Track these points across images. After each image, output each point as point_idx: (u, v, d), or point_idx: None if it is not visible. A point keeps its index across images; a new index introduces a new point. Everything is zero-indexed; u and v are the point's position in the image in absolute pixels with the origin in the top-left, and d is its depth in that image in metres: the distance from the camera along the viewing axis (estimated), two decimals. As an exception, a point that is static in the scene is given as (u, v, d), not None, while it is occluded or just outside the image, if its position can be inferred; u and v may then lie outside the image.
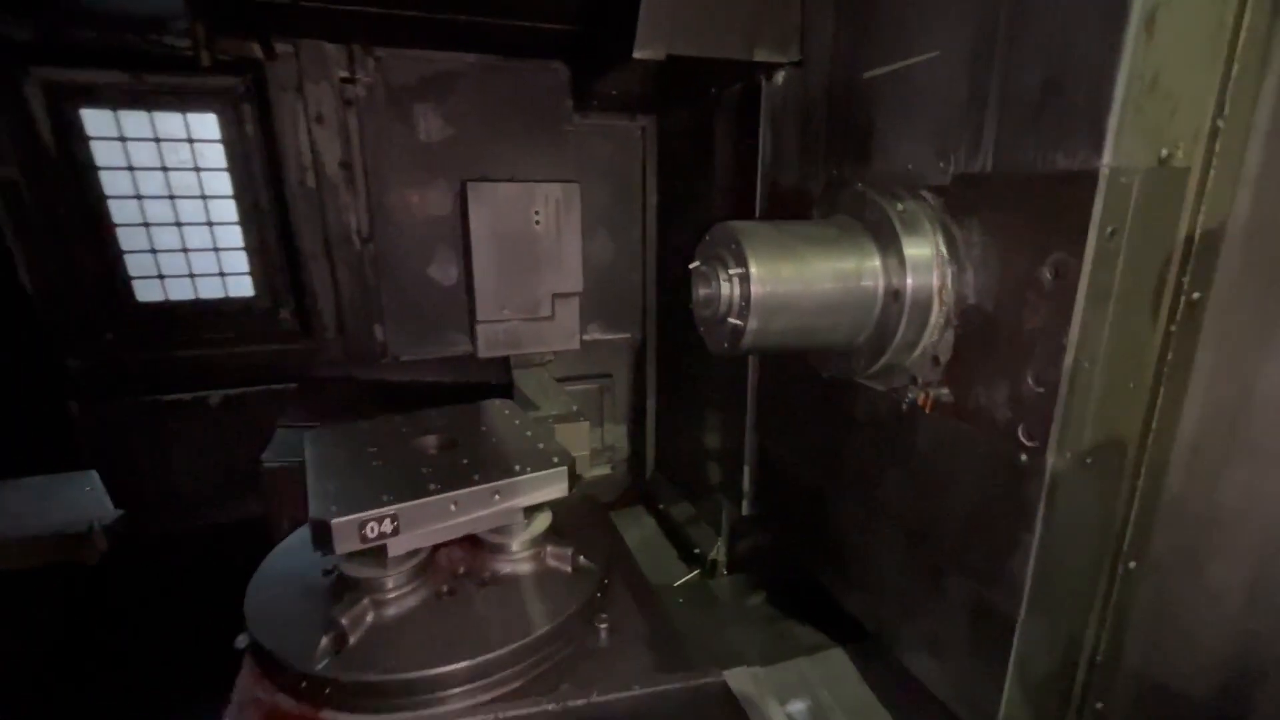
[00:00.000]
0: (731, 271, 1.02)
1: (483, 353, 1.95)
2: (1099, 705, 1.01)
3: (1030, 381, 0.87)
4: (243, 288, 2.09)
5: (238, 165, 1.97)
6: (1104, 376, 0.84)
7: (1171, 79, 0.75)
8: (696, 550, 2.06)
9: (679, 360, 2.28)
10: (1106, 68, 0.74)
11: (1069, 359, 0.81)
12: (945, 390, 1.01)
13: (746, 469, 1.73)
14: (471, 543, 1.09)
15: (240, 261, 2.06)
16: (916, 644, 1.15)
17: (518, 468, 1.03)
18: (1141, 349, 0.86)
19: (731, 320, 1.04)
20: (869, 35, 1.14)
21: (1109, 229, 0.77)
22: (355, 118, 1.95)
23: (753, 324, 1.01)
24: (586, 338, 2.35)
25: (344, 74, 1.89)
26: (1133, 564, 0.97)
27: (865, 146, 1.15)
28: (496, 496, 1.00)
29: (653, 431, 2.52)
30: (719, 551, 1.98)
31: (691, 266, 1.12)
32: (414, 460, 1.08)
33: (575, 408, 1.86)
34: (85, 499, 1.52)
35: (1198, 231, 0.84)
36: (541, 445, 1.13)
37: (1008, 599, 0.94)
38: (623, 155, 2.26)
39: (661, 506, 2.38)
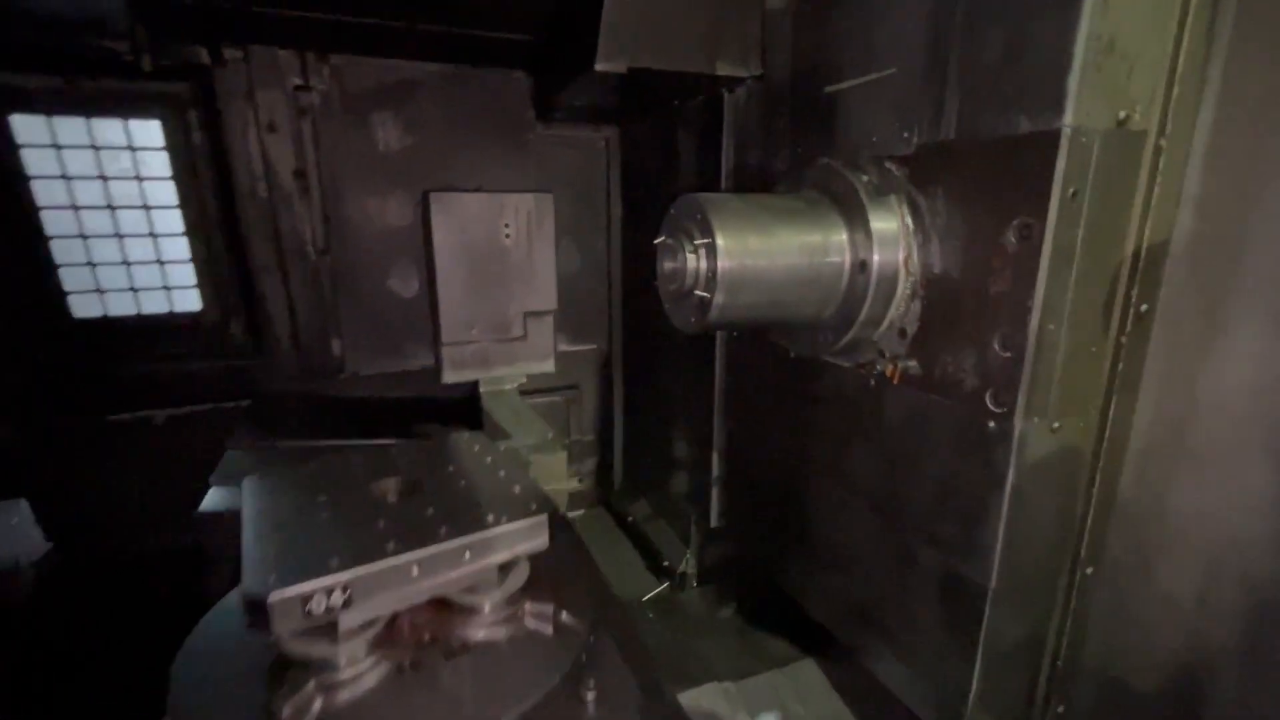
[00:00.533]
0: (697, 242, 1.01)
1: (449, 377, 1.85)
2: (1060, 710, 1.03)
3: (997, 346, 0.87)
4: (190, 301, 2.00)
5: (184, 174, 1.89)
6: (1068, 339, 0.85)
7: (1127, 40, 0.77)
8: (665, 563, 2.05)
9: (646, 370, 2.27)
10: (1066, 28, 0.75)
11: (1035, 321, 0.82)
12: (913, 362, 1.02)
13: (714, 479, 1.72)
14: (439, 603, 0.95)
15: (187, 274, 1.97)
16: (887, 641, 1.14)
17: (491, 517, 0.91)
18: (1107, 308, 0.88)
19: (698, 293, 1.02)
20: (828, 53, 1.16)
21: (1071, 189, 0.79)
22: (310, 126, 1.89)
23: (719, 297, 1.00)
24: (552, 349, 2.32)
25: (298, 81, 1.83)
26: (1090, 569, 0.99)
27: (829, 123, 1.15)
28: (467, 554, 0.87)
29: (620, 443, 2.50)
30: (688, 564, 1.97)
31: (657, 241, 1.11)
32: (370, 511, 0.94)
33: (551, 434, 1.74)
34: (12, 532, 1.42)
35: (1145, 244, 0.87)
36: (518, 488, 1.01)
37: (979, 569, 0.94)
38: (586, 165, 2.25)
39: (630, 518, 2.36)
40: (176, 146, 1.85)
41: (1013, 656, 1.00)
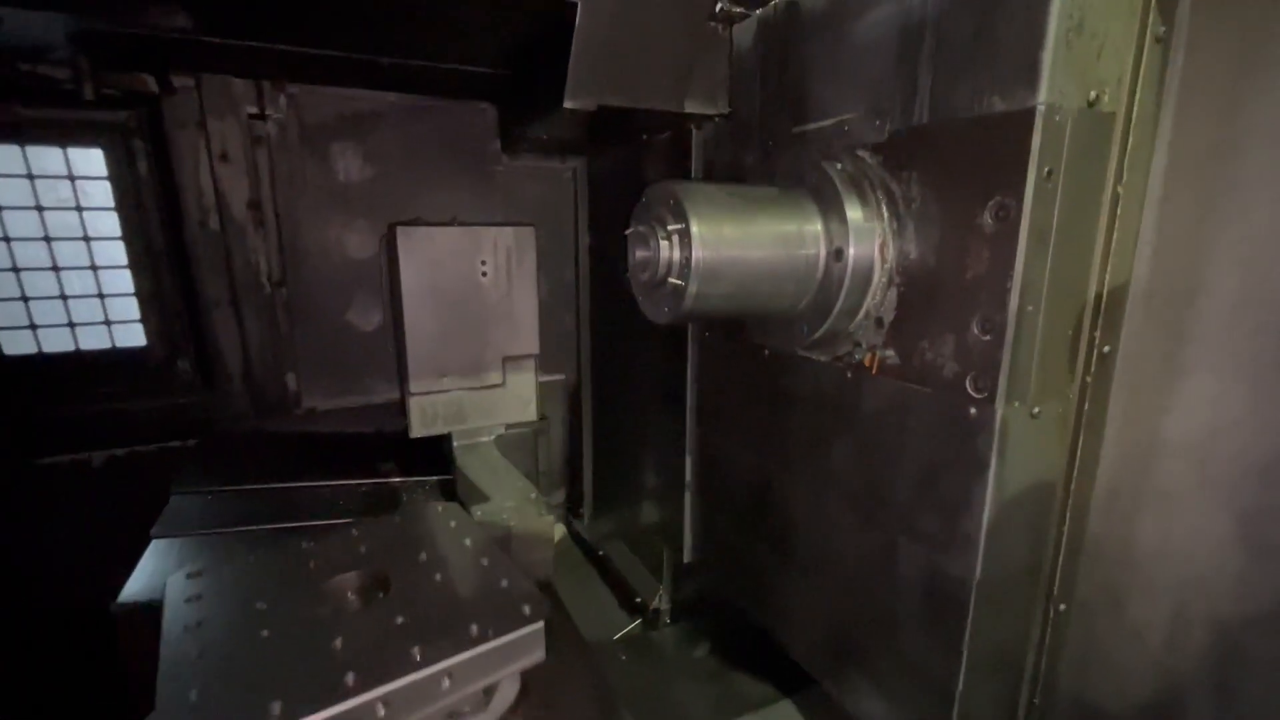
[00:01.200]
0: (671, 229, 0.98)
1: (417, 432, 1.65)
2: (1040, 747, 1.03)
3: (976, 330, 0.87)
4: (133, 337, 1.90)
5: (128, 205, 1.80)
6: (1047, 320, 0.85)
7: (1096, 20, 0.78)
8: (638, 599, 2.01)
9: (615, 400, 2.24)
10: (1038, 7, 0.76)
11: (1014, 302, 0.82)
12: (890, 351, 1.01)
13: (687, 509, 1.69)
14: None
15: (130, 309, 1.87)
16: (866, 670, 1.12)
17: (476, 629, 0.75)
18: (1080, 290, 0.88)
19: (672, 280, 0.99)
20: (795, 94, 1.17)
21: (1046, 168, 0.79)
22: (265, 155, 1.83)
23: (694, 286, 0.97)
24: (519, 380, 2.27)
25: (252, 110, 1.78)
26: (1062, 606, 1.00)
27: (802, 112, 1.15)
28: (447, 682, 0.72)
29: (590, 475, 2.46)
30: (661, 600, 1.93)
31: (628, 231, 1.07)
32: (324, 625, 0.77)
33: (534, 494, 1.53)
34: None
35: (1106, 288, 0.89)
36: (505, 582, 0.86)
37: (962, 561, 0.92)
38: (554, 196, 2.23)
39: (601, 552, 2.31)
40: (120, 176, 1.77)
41: (993, 678, 0.99)
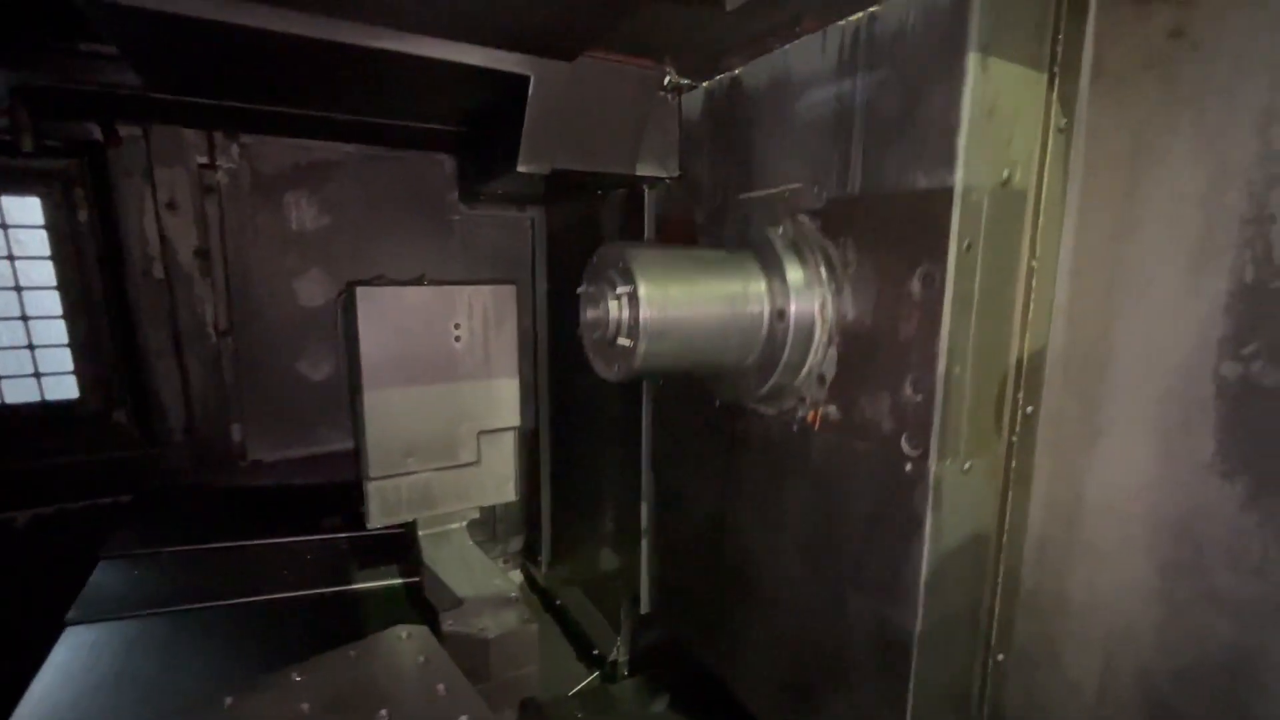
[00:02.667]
0: (620, 291, 1.01)
1: (378, 520, 1.43)
2: (987, 801, 1.04)
3: (909, 390, 0.91)
4: (65, 389, 1.81)
5: (66, 253, 1.74)
6: (974, 381, 0.90)
7: (1006, 105, 0.85)
8: (595, 650, 1.97)
9: (573, 448, 2.23)
10: (953, 95, 0.83)
11: (942, 365, 0.87)
12: (833, 407, 1.04)
13: (644, 559, 1.69)
14: None
15: (63, 360, 1.80)
16: (819, 707, 1.13)
17: None
18: (1001, 351, 0.93)
19: (621, 341, 1.02)
20: (739, 164, 1.23)
21: (966, 242, 0.85)
22: (215, 204, 1.80)
23: (643, 345, 1.00)
24: (475, 428, 2.25)
25: (203, 160, 1.76)
26: (1001, 656, 1.03)
27: (747, 180, 1.21)
28: None
29: (548, 524, 2.42)
30: (619, 651, 1.90)
31: (580, 290, 1.10)
32: None
33: (514, 594, 1.36)
34: None
35: (1026, 352, 0.95)
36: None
37: (904, 612, 0.95)
38: (512, 245, 2.25)
39: (559, 601, 2.27)
40: (58, 224, 1.72)
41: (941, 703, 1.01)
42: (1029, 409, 0.96)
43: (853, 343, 1.02)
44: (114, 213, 1.71)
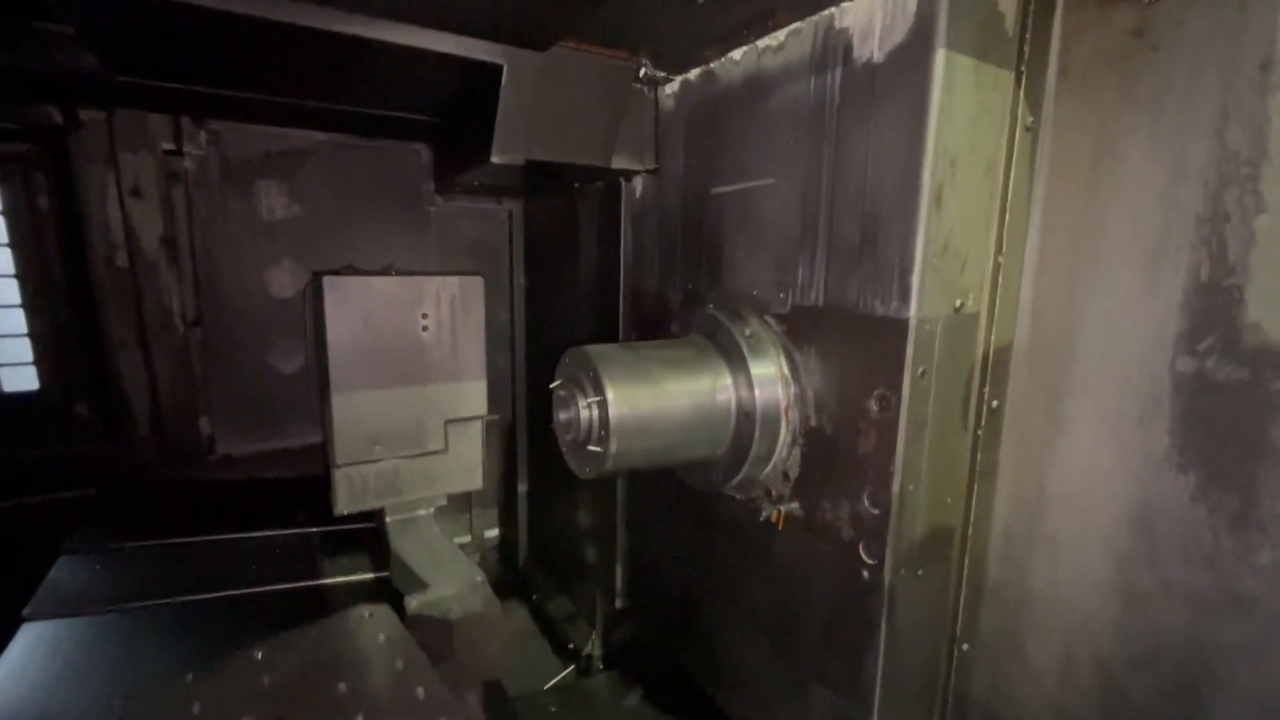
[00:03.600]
0: (589, 400, 1.03)
1: (345, 507, 1.45)
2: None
3: (866, 503, 0.94)
4: (25, 380, 1.76)
5: (25, 240, 1.69)
6: (928, 496, 0.93)
7: (959, 240, 0.88)
8: (570, 645, 1.97)
9: (549, 442, 2.22)
10: (908, 234, 0.85)
11: (897, 484, 0.90)
12: (796, 505, 1.07)
13: (619, 557, 1.69)
14: None
15: (23, 350, 1.74)
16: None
17: None
18: (956, 466, 0.97)
19: (592, 447, 1.04)
20: (714, 158, 1.23)
21: (920, 369, 0.88)
22: (182, 192, 1.76)
23: (612, 448, 1.02)
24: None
25: (169, 146, 1.71)
26: (966, 646, 1.05)
27: (717, 267, 1.23)
28: None
29: (525, 516, 2.41)
30: (594, 646, 1.90)
31: (552, 387, 1.11)
32: None
33: (479, 578, 1.37)
34: None
35: (993, 348, 0.96)
36: (422, 691, 0.78)
37: (861, 709, 0.98)
38: (489, 237, 2.23)
39: (535, 597, 2.26)
40: (17, 210, 1.67)
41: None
42: (995, 404, 0.98)
43: (816, 447, 1.04)
44: (76, 199, 1.66)
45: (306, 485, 1.91)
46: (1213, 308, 0.76)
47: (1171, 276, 0.80)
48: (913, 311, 0.86)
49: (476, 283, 1.57)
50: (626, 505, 1.67)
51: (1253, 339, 0.73)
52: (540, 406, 2.27)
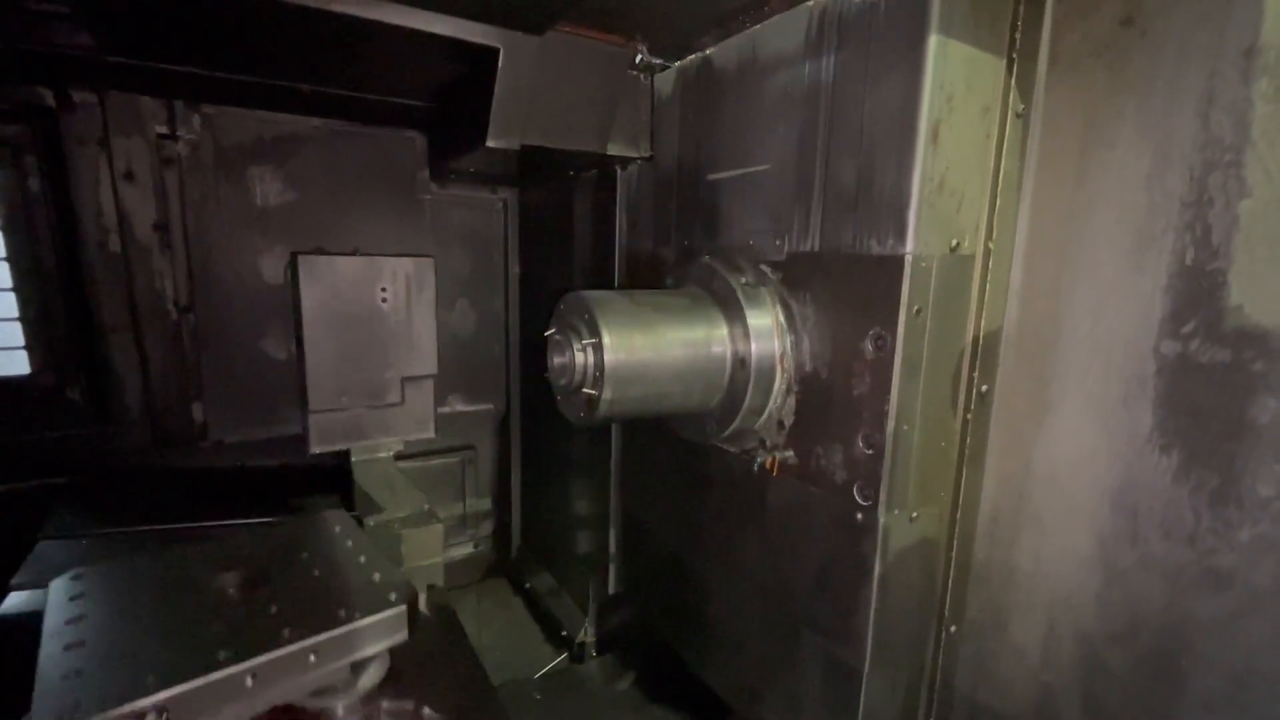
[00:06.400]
0: (585, 342, 1.03)
1: (316, 446, 1.71)
2: (936, 766, 1.08)
3: (861, 444, 0.95)
4: (16, 364, 1.75)
5: (16, 224, 1.68)
6: (921, 439, 0.94)
7: (955, 180, 0.88)
8: (564, 632, 1.98)
9: (543, 431, 2.23)
10: (904, 172, 0.86)
11: (891, 424, 0.91)
12: (790, 453, 1.07)
13: (613, 541, 1.71)
14: (286, 708, 0.86)
15: (14, 334, 1.73)
16: (775, 711, 1.17)
17: (343, 613, 0.84)
18: (948, 417, 0.97)
19: (586, 390, 1.04)
20: (710, 145, 1.24)
21: (915, 308, 0.88)
22: (175, 176, 1.75)
23: (607, 393, 1.02)
24: (447, 410, 2.24)
25: (162, 130, 1.70)
26: (954, 628, 1.07)
27: (713, 223, 1.23)
28: (313, 657, 0.80)
29: (518, 504, 2.42)
30: (587, 633, 1.92)
31: (547, 334, 1.11)
32: (203, 612, 0.85)
33: (427, 506, 1.62)
34: None
35: (982, 333, 0.98)
36: (377, 576, 0.94)
37: (854, 653, 0.99)
38: (484, 225, 2.23)
39: (528, 585, 2.27)
40: (8, 193, 1.65)
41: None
42: (984, 387, 0.99)
43: (810, 393, 1.05)
44: (67, 182, 1.65)
45: (300, 474, 1.91)
46: (1197, 291, 0.78)
47: (1157, 260, 0.81)
48: (909, 248, 0.86)
49: (428, 263, 1.80)
50: (620, 494, 1.68)
51: (1235, 321, 0.75)
52: (535, 395, 2.27)
